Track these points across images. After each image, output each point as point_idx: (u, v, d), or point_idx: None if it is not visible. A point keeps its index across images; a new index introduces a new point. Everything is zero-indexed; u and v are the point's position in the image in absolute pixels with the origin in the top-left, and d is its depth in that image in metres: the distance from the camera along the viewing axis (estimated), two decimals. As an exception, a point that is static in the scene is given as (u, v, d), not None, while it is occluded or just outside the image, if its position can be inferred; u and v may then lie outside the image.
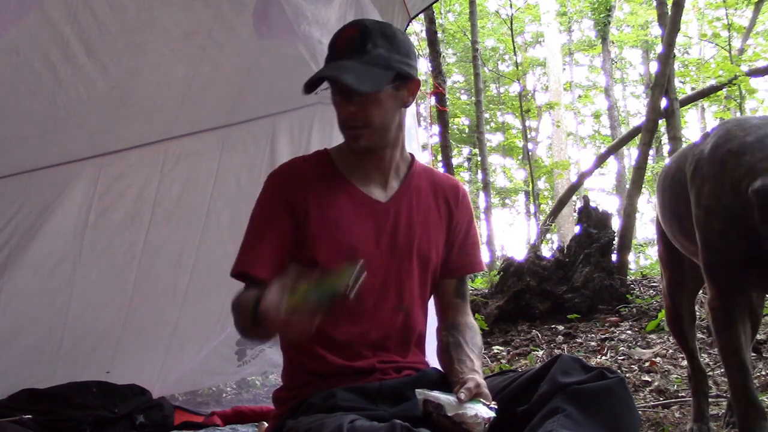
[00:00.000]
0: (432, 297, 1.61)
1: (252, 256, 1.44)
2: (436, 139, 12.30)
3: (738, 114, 11.11)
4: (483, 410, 1.19)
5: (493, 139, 18.36)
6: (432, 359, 1.60)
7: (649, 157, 7.76)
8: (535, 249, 6.67)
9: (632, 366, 3.66)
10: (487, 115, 17.22)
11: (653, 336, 4.25)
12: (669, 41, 5.55)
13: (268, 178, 1.52)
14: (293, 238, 1.45)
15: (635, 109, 19.54)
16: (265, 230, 1.46)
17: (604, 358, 3.95)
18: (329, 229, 1.44)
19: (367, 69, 1.38)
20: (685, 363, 3.63)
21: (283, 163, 1.55)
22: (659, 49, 6.58)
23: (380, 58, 1.40)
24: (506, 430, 1.23)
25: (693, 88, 11.85)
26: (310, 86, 1.40)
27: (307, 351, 1.44)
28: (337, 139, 1.54)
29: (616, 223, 5.74)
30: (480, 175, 12.86)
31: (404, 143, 1.56)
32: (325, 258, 1.43)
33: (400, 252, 1.49)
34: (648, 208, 17.52)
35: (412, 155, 1.61)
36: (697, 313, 4.32)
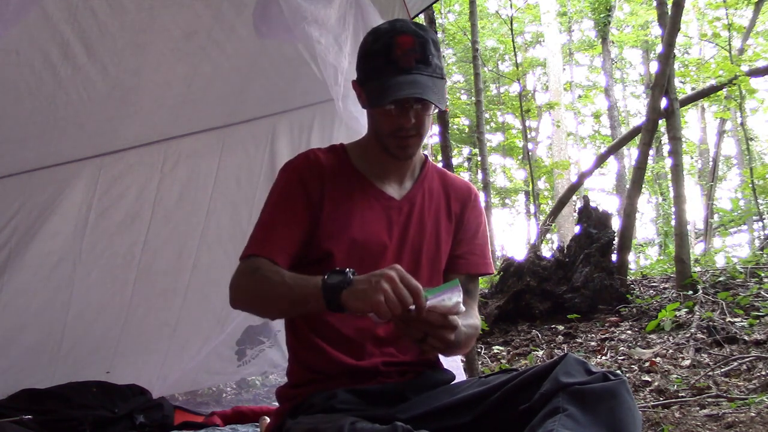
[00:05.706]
0: None
1: (269, 241, 1.40)
2: (436, 139, 12.32)
3: (738, 114, 11.12)
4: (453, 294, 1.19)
5: (493, 139, 18.39)
6: (446, 362, 1.59)
7: (649, 157, 7.75)
8: (535, 249, 6.66)
9: (632, 366, 3.66)
10: (487, 115, 17.22)
11: (653, 336, 4.24)
12: (669, 41, 5.55)
13: (285, 167, 1.50)
14: (307, 229, 1.43)
15: (635, 109, 19.58)
16: (282, 218, 1.43)
17: (604, 358, 3.95)
18: (342, 223, 1.44)
19: (435, 83, 1.37)
20: (685, 363, 3.63)
21: (300, 154, 1.52)
22: (659, 49, 6.57)
23: (439, 69, 1.40)
24: (507, 427, 1.23)
25: (693, 88, 11.84)
26: (382, 99, 1.36)
27: (311, 346, 1.44)
28: (337, 138, 1.54)
29: (616, 223, 5.73)
30: (480, 175, 12.86)
31: None
32: (338, 250, 1.43)
33: (410, 248, 1.49)
34: (648, 208, 17.56)
35: (425, 156, 1.62)
36: (698, 313, 4.33)
